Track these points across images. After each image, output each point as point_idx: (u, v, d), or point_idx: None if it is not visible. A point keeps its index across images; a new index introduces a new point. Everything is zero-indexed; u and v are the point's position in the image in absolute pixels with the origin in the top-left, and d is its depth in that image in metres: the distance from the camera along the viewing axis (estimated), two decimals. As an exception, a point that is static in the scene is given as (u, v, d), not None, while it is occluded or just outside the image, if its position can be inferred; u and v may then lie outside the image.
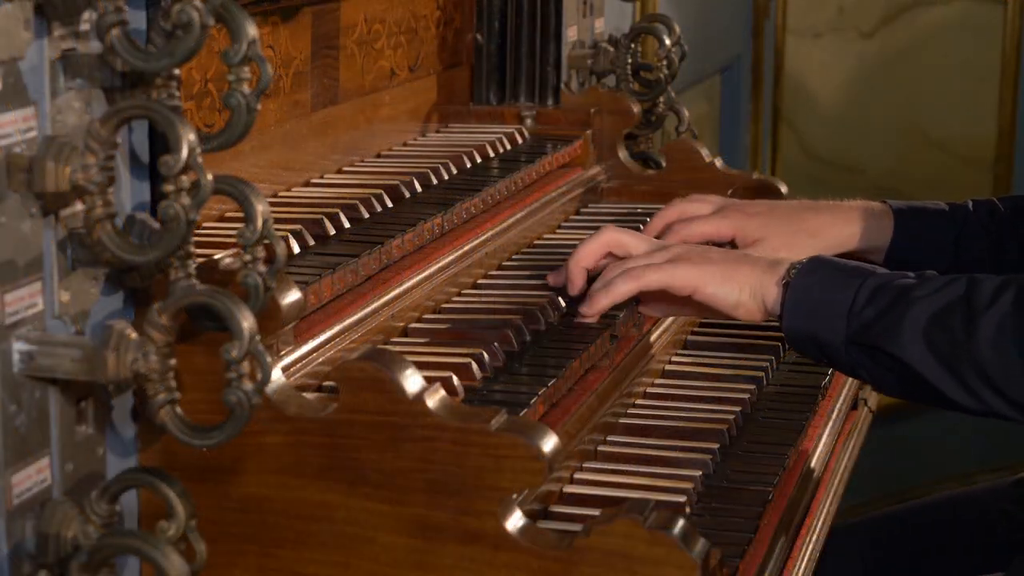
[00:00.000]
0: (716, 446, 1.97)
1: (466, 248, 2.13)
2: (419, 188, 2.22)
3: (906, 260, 2.22)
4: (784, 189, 2.68)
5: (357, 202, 2.06)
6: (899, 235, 2.29)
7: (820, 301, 1.92)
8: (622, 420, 2.04)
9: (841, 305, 1.90)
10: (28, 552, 1.46)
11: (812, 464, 2.12)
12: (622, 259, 2.04)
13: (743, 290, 1.97)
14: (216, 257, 1.61)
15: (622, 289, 1.98)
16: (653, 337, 2.18)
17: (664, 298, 2.02)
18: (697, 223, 2.25)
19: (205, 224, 1.93)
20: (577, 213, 2.56)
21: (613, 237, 2.06)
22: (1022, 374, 1.81)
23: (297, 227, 1.91)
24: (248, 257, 1.47)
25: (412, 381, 1.57)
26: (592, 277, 2.07)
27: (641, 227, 2.39)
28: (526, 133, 2.62)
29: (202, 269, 1.54)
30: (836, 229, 2.29)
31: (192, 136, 1.38)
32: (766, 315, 1.99)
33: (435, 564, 1.57)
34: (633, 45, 2.91)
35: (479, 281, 2.16)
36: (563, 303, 2.06)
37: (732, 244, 2.27)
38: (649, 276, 1.98)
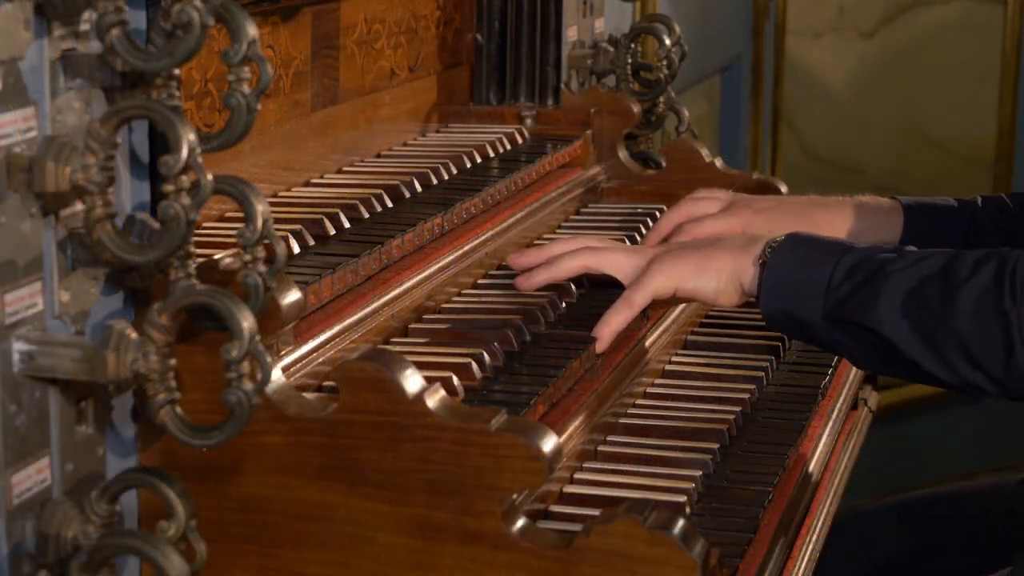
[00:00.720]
0: (716, 446, 1.97)
1: (466, 248, 2.12)
2: (419, 188, 2.22)
3: None
4: (784, 189, 2.68)
5: (357, 202, 2.06)
6: (908, 231, 2.30)
7: (797, 280, 1.92)
8: (622, 420, 2.04)
9: (818, 283, 1.91)
10: (28, 552, 1.46)
11: (812, 464, 2.12)
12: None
13: (720, 277, 1.99)
14: (216, 257, 1.61)
15: (618, 319, 1.99)
16: (653, 337, 2.18)
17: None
18: (706, 222, 2.26)
19: (205, 224, 1.93)
20: (577, 213, 2.56)
21: (592, 259, 2.07)
22: (1002, 348, 1.80)
23: (297, 227, 1.91)
24: (248, 257, 1.47)
25: (412, 381, 1.57)
26: None
27: (641, 227, 2.40)
28: (526, 133, 2.62)
29: (202, 269, 1.54)
30: (844, 225, 2.29)
31: (192, 136, 1.38)
32: (744, 296, 2.00)
33: (435, 564, 1.57)
34: (633, 45, 2.91)
35: (479, 281, 2.16)
36: (563, 303, 2.07)
37: None
38: (635, 299, 1.99)
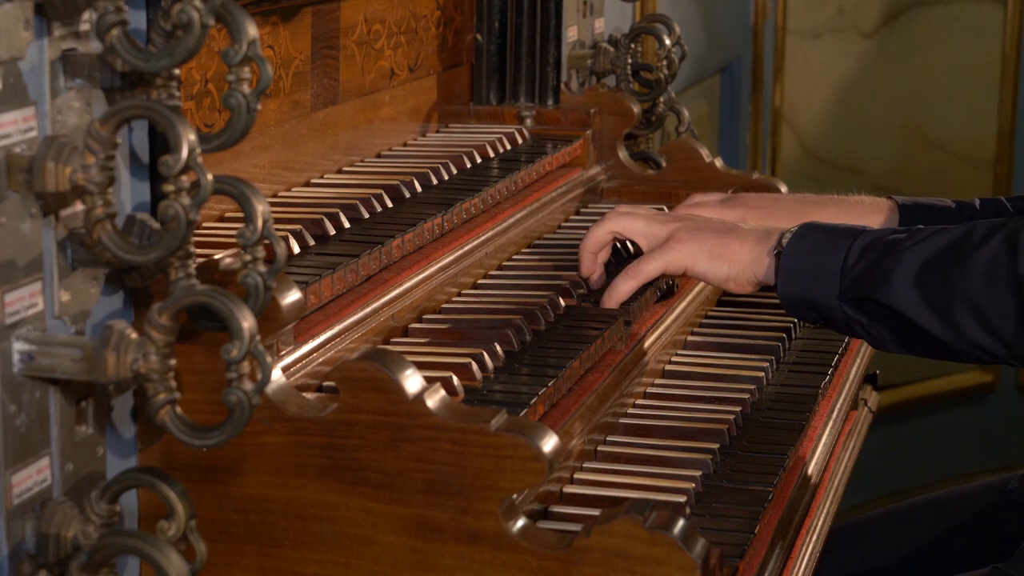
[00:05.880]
0: (716, 446, 1.97)
1: (466, 248, 2.13)
2: (419, 188, 2.22)
3: None
4: (784, 189, 2.68)
5: (357, 202, 2.06)
6: None
7: (813, 264, 1.97)
8: (622, 420, 2.04)
9: (833, 265, 1.95)
10: (28, 552, 1.46)
11: (812, 464, 2.12)
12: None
13: (732, 266, 2.05)
14: (216, 257, 1.61)
15: (624, 288, 2.09)
16: (653, 337, 2.18)
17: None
18: (702, 210, 2.29)
19: (205, 224, 1.93)
20: (577, 213, 2.56)
21: (616, 224, 2.14)
22: (1014, 311, 1.84)
23: (297, 227, 1.91)
24: (248, 257, 1.47)
25: (412, 381, 1.57)
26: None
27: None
28: (526, 133, 2.62)
29: (202, 269, 1.55)
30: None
31: (192, 136, 1.38)
32: (757, 286, 2.06)
33: (435, 564, 1.57)
34: (633, 45, 2.91)
35: (479, 281, 2.16)
36: (563, 303, 2.07)
37: None
38: (645, 269, 2.08)
